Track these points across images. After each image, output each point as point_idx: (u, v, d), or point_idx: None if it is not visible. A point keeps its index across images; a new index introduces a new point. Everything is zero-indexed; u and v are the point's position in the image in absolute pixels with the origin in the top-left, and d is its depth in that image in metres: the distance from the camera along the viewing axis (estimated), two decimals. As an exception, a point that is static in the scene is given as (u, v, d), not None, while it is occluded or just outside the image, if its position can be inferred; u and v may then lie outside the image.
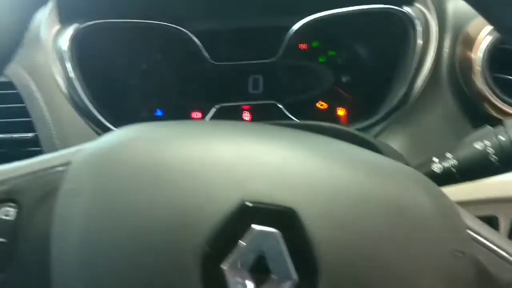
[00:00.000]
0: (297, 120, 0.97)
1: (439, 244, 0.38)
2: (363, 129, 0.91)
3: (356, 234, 0.36)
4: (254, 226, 0.35)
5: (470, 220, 0.41)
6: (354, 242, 0.36)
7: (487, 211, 0.86)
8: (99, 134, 0.89)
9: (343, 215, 0.36)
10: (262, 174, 0.37)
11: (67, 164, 0.41)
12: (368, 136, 0.68)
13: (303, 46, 1.04)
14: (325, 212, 0.36)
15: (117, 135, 0.42)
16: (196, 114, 1.04)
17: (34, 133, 0.84)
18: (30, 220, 0.40)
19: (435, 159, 0.64)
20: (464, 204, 0.64)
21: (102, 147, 0.41)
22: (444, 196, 0.41)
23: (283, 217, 0.36)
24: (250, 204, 0.35)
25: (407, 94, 0.89)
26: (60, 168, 0.41)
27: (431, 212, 0.38)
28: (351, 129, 0.68)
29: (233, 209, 0.35)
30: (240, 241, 0.35)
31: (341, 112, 1.05)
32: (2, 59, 0.43)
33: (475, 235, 0.40)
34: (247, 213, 0.35)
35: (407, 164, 0.70)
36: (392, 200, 0.38)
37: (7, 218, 0.39)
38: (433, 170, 0.64)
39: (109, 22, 0.88)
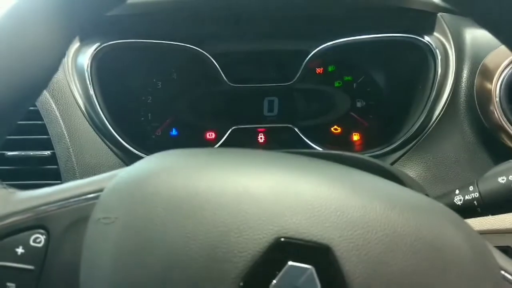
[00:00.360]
0: (311, 144, 0.97)
1: (473, 284, 0.38)
2: (379, 156, 0.91)
3: (391, 273, 0.36)
4: (289, 262, 0.35)
5: (503, 260, 0.40)
6: (388, 280, 0.36)
7: (503, 242, 0.86)
8: (115, 153, 0.89)
9: (378, 253, 0.36)
10: (297, 208, 0.37)
11: (98, 191, 0.41)
12: (392, 167, 0.68)
13: (319, 70, 1.05)
14: (360, 249, 0.36)
15: (149, 164, 0.42)
16: (210, 135, 1.05)
17: (52, 151, 0.84)
18: (59, 248, 0.39)
19: (457, 191, 0.64)
20: (481, 233, 0.63)
21: (134, 175, 0.41)
22: (477, 235, 0.41)
23: (318, 254, 0.35)
24: (285, 240, 0.35)
25: (425, 123, 0.89)
26: (91, 196, 0.41)
27: (466, 252, 0.38)
28: (374, 159, 0.68)
29: (268, 245, 0.35)
30: (275, 277, 0.35)
31: (356, 137, 1.05)
32: (37, 91, 0.43)
33: (508, 275, 0.40)
34: (282, 249, 0.35)
35: (427, 194, 0.70)
36: (427, 239, 0.37)
37: (37, 245, 0.39)
38: (454, 202, 0.63)
39: (130, 42, 0.89)
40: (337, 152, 0.70)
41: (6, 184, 0.45)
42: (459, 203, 0.62)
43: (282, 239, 0.35)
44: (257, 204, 0.37)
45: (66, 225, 0.40)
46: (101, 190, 0.41)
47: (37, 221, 0.40)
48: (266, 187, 0.38)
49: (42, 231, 0.40)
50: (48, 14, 0.41)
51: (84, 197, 0.41)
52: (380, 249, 0.36)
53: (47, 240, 0.40)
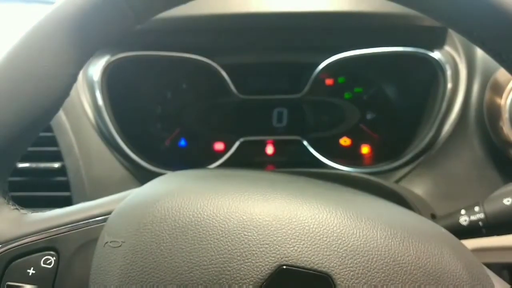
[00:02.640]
0: (319, 157, 0.98)
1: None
2: (388, 171, 0.92)
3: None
4: (290, 289, 0.37)
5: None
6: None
7: (508, 259, 0.87)
8: (123, 165, 0.91)
9: (378, 282, 0.38)
10: (299, 236, 0.38)
11: (106, 214, 0.43)
12: (398, 186, 0.69)
13: (329, 81, 1.06)
14: (360, 277, 0.37)
15: (156, 188, 0.44)
16: (219, 146, 1.06)
17: (61, 163, 0.86)
18: (69, 269, 0.42)
19: (463, 212, 0.65)
20: (487, 250, 0.65)
21: (141, 199, 0.43)
22: (477, 263, 0.42)
23: (319, 282, 0.37)
24: (287, 268, 0.37)
25: (434, 138, 0.90)
26: (101, 218, 0.43)
27: (464, 281, 0.39)
28: (379, 180, 0.69)
29: (271, 272, 0.37)
30: None
31: (365, 150, 1.07)
32: (49, 115, 0.45)
33: None
34: (284, 277, 0.37)
35: (434, 213, 0.71)
36: (426, 268, 0.39)
37: (47, 266, 0.41)
38: (459, 223, 0.65)
39: (140, 54, 0.91)
40: (342, 172, 0.71)
41: (16, 195, 0.47)
42: (464, 223, 0.64)
43: (284, 267, 0.37)
44: (260, 231, 0.39)
45: (76, 247, 0.42)
46: (109, 213, 0.43)
47: (48, 243, 0.42)
48: (270, 214, 0.40)
49: (52, 252, 0.42)
50: (62, 41, 0.43)
51: (93, 219, 0.43)
52: (380, 277, 0.38)
53: (57, 262, 0.42)
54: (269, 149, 1.05)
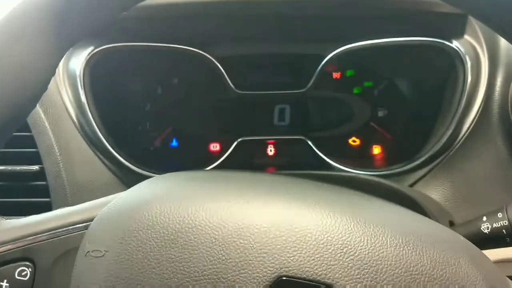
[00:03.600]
0: (326, 158, 0.98)
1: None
2: (401, 174, 0.92)
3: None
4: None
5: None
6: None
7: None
8: (109, 168, 0.91)
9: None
10: (300, 244, 0.38)
11: (88, 221, 0.43)
12: (412, 191, 0.68)
13: (336, 75, 1.06)
14: (368, 290, 0.37)
15: (143, 191, 0.44)
16: (215, 146, 1.07)
17: (40, 166, 0.87)
18: (46, 282, 0.42)
19: (485, 218, 0.65)
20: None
21: (126, 204, 0.43)
22: (498, 274, 0.42)
23: None
24: (287, 280, 0.37)
25: (453, 137, 0.90)
26: (82, 225, 0.43)
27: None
28: (391, 183, 0.69)
29: (269, 284, 0.37)
30: None
31: (376, 150, 1.07)
32: (25, 111, 0.45)
33: None
34: None
35: (452, 220, 0.71)
36: (442, 279, 0.39)
37: (23, 278, 0.41)
38: (481, 230, 0.64)
39: (126, 45, 0.91)
40: (350, 174, 0.71)
41: None
42: (486, 231, 0.63)
43: (284, 278, 0.37)
44: (258, 239, 0.39)
45: (54, 258, 0.42)
46: (91, 220, 0.43)
47: (23, 253, 0.42)
48: (268, 220, 0.40)
49: (28, 263, 0.42)
50: (39, 29, 0.43)
51: (73, 227, 0.43)
52: None
53: (33, 274, 0.42)
54: (270, 150, 1.05)
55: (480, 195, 0.88)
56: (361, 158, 1.05)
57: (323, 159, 0.99)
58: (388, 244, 0.39)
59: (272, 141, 1.04)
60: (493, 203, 0.74)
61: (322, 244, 0.39)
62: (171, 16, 0.90)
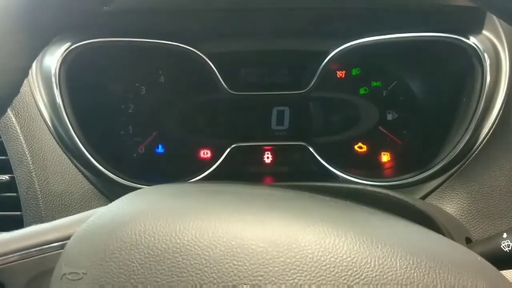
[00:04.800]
0: (329, 166, 0.98)
1: None
2: (413, 184, 0.92)
3: None
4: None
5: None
6: None
7: None
8: (87, 177, 0.91)
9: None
10: (300, 266, 0.39)
11: (64, 239, 0.43)
12: (425, 204, 0.68)
13: (340, 74, 1.07)
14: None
15: (125, 206, 0.44)
16: (205, 153, 1.07)
17: (10, 175, 0.86)
18: None
19: (505, 235, 0.65)
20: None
21: (108, 221, 0.43)
22: None
23: None
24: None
25: (470, 144, 0.90)
26: (57, 244, 0.43)
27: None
28: (402, 195, 0.69)
29: None
30: None
31: (385, 158, 1.07)
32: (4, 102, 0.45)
33: None
34: None
35: (469, 237, 0.71)
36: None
37: (-9, 304, 0.41)
38: (501, 248, 0.65)
39: (106, 41, 0.91)
40: (355, 186, 0.71)
41: None
42: (507, 249, 0.63)
43: None
44: (253, 260, 0.39)
45: (26, 281, 0.42)
46: (67, 238, 0.43)
47: None
48: (264, 238, 0.40)
49: None
50: (10, 28, 0.43)
51: (47, 246, 0.43)
52: None
53: None
54: (267, 157, 1.05)
55: (500, 209, 0.88)
56: (368, 166, 1.05)
57: (326, 167, 0.99)
58: (398, 266, 0.40)
59: (269, 147, 1.05)
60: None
61: (324, 266, 0.39)
62: (156, 9, 0.90)
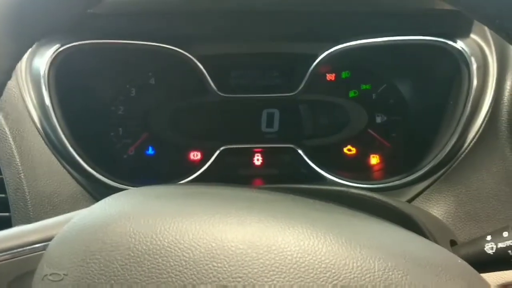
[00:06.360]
0: (318, 169, 0.98)
1: None
2: (401, 187, 0.92)
3: None
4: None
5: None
6: None
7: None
8: (75, 179, 0.91)
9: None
10: (279, 267, 0.39)
11: (46, 240, 0.43)
12: (409, 207, 0.68)
13: (330, 76, 1.07)
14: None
15: (107, 208, 0.44)
16: (195, 155, 1.07)
17: (-1, 176, 0.86)
18: None
19: (489, 237, 0.65)
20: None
21: (89, 222, 0.43)
22: None
23: None
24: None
25: (457, 147, 0.91)
26: (39, 245, 0.43)
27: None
28: (385, 198, 0.69)
29: None
30: None
31: (374, 160, 1.07)
32: None
33: None
34: None
35: (454, 239, 0.72)
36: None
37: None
38: (485, 251, 0.65)
39: (96, 43, 0.91)
40: (340, 189, 0.71)
41: None
42: (490, 252, 0.64)
43: None
44: (233, 261, 0.39)
45: (8, 282, 0.42)
46: (49, 239, 0.43)
47: None
48: (244, 240, 0.40)
49: None
50: None
51: (29, 247, 0.43)
52: None
53: None
54: (257, 160, 1.05)
55: (487, 212, 0.89)
56: (357, 169, 1.06)
57: (315, 170, 0.99)
58: (376, 268, 0.40)
59: (259, 149, 1.05)
60: (500, 221, 0.74)
61: (303, 267, 0.39)
62: (146, 11, 0.90)
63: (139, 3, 0.87)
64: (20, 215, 0.86)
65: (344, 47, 0.94)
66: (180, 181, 0.97)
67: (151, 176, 1.05)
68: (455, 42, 0.90)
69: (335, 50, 0.95)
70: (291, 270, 0.39)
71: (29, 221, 0.85)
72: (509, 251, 0.63)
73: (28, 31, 0.45)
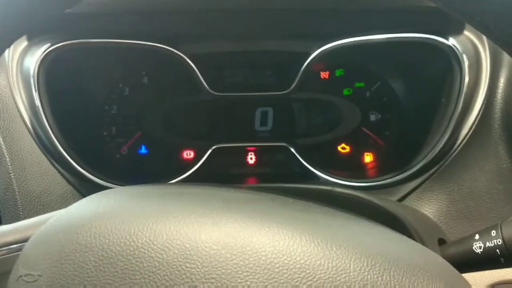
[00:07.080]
0: (311, 168, 0.98)
1: None
2: (393, 185, 0.92)
3: None
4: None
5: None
6: None
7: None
8: (66, 178, 0.91)
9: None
10: (253, 268, 0.39)
11: (23, 241, 0.43)
12: (396, 205, 0.68)
13: (324, 74, 1.07)
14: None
15: (83, 209, 0.44)
16: (188, 154, 1.07)
17: (-12, 177, 0.86)
18: None
19: (477, 236, 0.65)
20: (506, 284, 0.64)
21: (65, 223, 0.43)
22: None
23: None
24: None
25: (449, 144, 0.90)
26: (15, 246, 0.43)
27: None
28: (371, 197, 0.69)
29: None
30: None
31: (368, 158, 1.07)
32: None
33: None
34: None
35: (443, 238, 0.71)
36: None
37: None
38: (473, 250, 0.64)
39: (88, 42, 0.91)
40: (325, 188, 0.71)
41: None
42: (478, 251, 0.63)
43: None
44: (206, 262, 0.39)
45: None
46: (26, 240, 0.43)
47: None
48: (218, 241, 0.40)
49: None
50: None
51: (6, 248, 0.43)
52: None
53: None
54: (251, 158, 1.05)
55: (479, 210, 0.88)
56: (350, 167, 1.05)
57: (307, 168, 0.99)
58: (352, 268, 0.40)
59: (252, 148, 1.04)
60: (492, 219, 0.73)
61: (277, 268, 0.39)
62: (137, 10, 0.90)
63: (131, 2, 0.87)
64: (10, 215, 0.86)
65: (336, 45, 0.94)
66: (172, 180, 0.96)
67: (144, 175, 1.05)
68: (447, 39, 0.89)
69: (327, 48, 0.94)
70: (265, 270, 0.39)
71: (19, 220, 0.85)
72: (497, 250, 0.62)
73: (5, 32, 0.45)
